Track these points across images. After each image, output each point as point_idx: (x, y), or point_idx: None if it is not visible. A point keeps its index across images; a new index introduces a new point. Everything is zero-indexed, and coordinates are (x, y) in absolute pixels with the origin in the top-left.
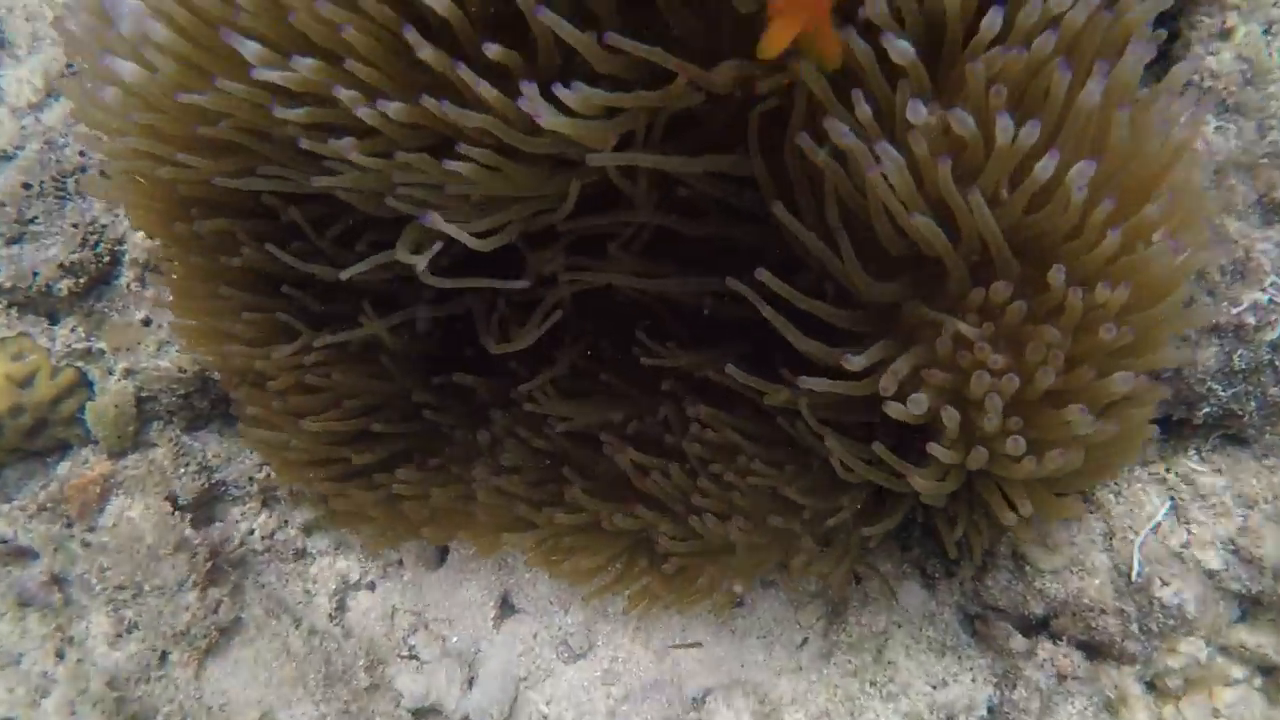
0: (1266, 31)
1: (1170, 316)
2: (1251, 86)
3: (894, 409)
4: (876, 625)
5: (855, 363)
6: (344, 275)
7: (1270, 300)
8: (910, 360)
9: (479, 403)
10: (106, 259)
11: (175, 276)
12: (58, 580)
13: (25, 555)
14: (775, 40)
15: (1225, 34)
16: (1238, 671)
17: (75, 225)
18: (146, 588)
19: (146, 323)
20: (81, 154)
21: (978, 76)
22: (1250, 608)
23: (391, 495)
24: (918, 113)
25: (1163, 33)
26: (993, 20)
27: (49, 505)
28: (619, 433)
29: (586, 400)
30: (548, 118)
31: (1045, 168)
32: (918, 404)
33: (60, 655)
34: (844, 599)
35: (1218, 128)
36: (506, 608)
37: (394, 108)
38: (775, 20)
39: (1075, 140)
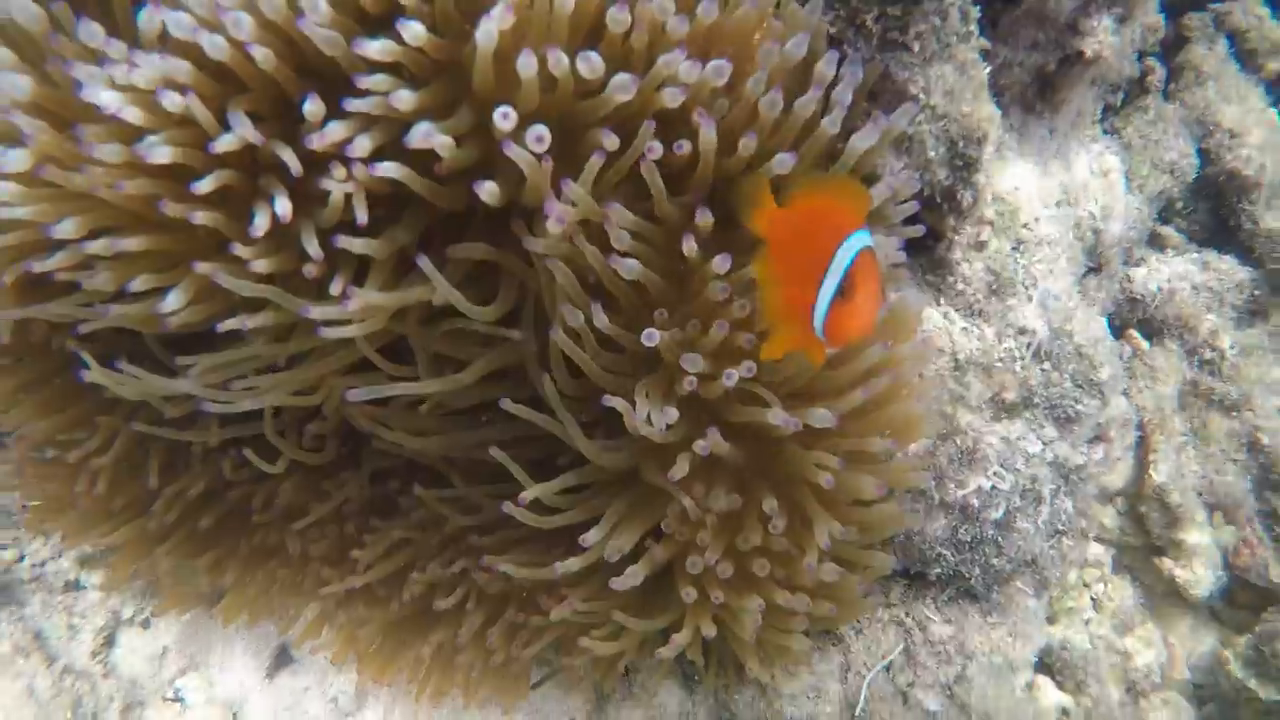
0: (1016, 248)
1: (883, 521)
2: (996, 296)
3: (615, 583)
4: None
5: (588, 538)
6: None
7: (993, 486)
8: (633, 534)
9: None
10: None
11: None
12: None
13: None
14: (774, 349)
15: (979, 246)
16: None
17: None
18: None
19: None
20: None
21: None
22: None
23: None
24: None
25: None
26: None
27: None
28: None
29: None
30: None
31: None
32: (633, 577)
33: None
34: (609, 691)
35: (964, 328)
36: (284, 658)
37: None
38: (779, 331)
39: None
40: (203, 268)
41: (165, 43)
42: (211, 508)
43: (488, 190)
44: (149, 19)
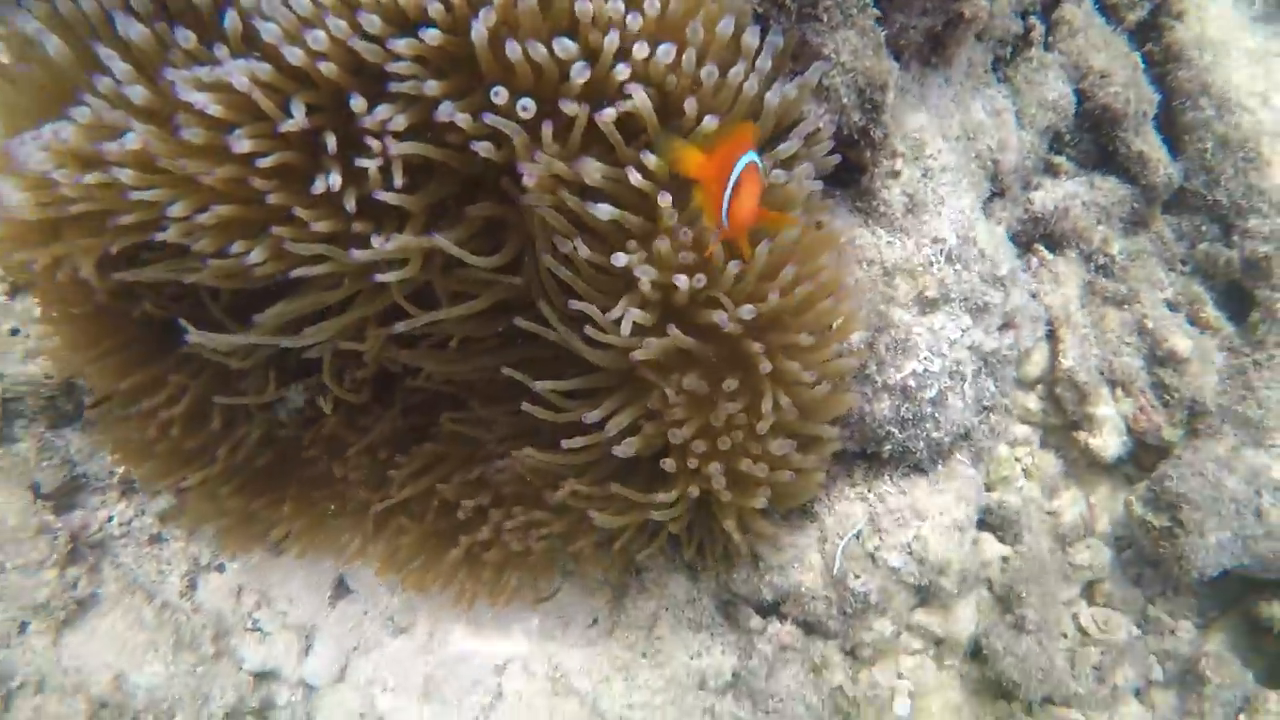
0: (924, 175)
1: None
2: (912, 214)
3: (617, 450)
4: (649, 609)
5: (590, 417)
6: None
7: (925, 369)
8: (630, 414)
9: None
10: None
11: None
12: None
13: None
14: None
15: (894, 175)
16: (916, 643)
17: None
18: (9, 566)
19: (14, 332)
20: None
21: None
22: (926, 597)
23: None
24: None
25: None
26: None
27: None
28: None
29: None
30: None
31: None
32: (629, 447)
33: None
34: (625, 587)
35: (889, 242)
36: (341, 589)
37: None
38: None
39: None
40: (278, 231)
41: (248, 44)
42: (267, 450)
43: (484, 148)
44: (233, 23)
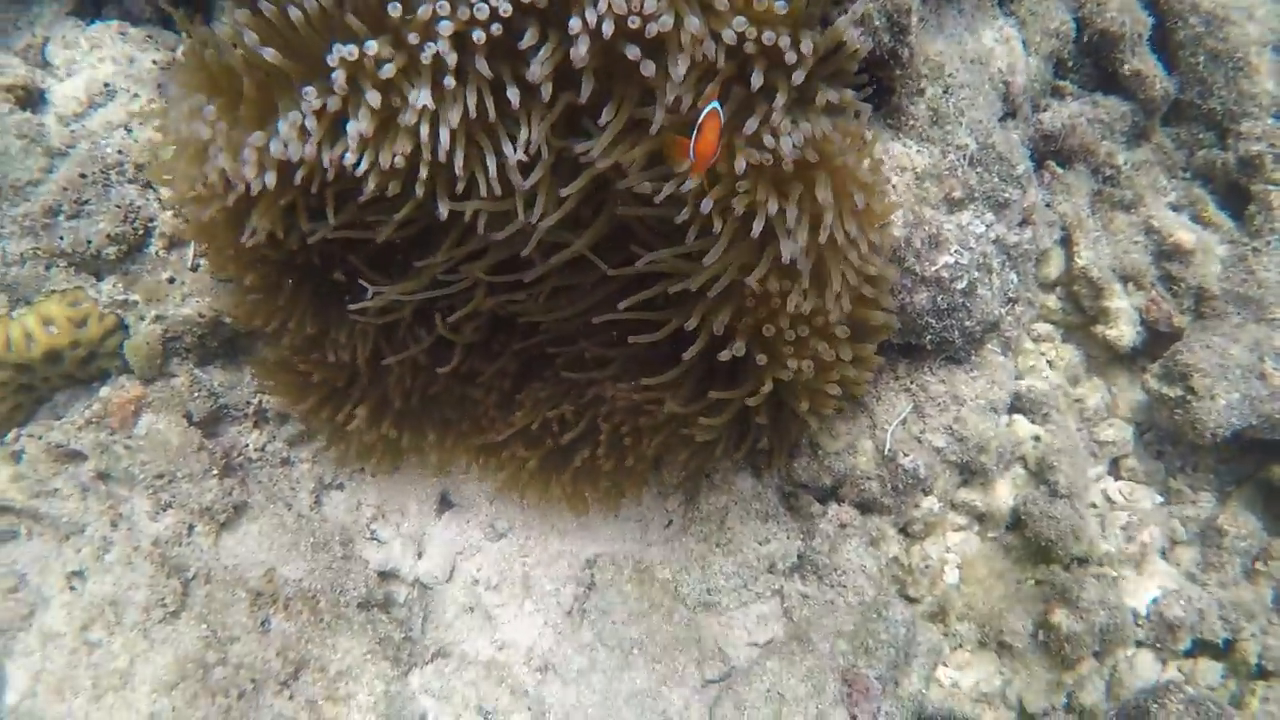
0: (945, 92)
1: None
2: (936, 126)
3: (723, 354)
4: (719, 504)
5: (691, 323)
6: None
7: (956, 261)
8: (726, 314)
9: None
10: (140, 232)
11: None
12: (102, 476)
13: (75, 457)
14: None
15: (920, 92)
16: (961, 519)
17: (118, 206)
18: (179, 475)
19: (171, 280)
20: (119, 152)
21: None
22: (967, 475)
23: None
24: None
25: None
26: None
27: (94, 420)
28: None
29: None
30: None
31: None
32: (738, 350)
33: (114, 525)
34: (696, 489)
35: (918, 151)
36: (445, 503)
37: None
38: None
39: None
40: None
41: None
42: (408, 381)
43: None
44: None
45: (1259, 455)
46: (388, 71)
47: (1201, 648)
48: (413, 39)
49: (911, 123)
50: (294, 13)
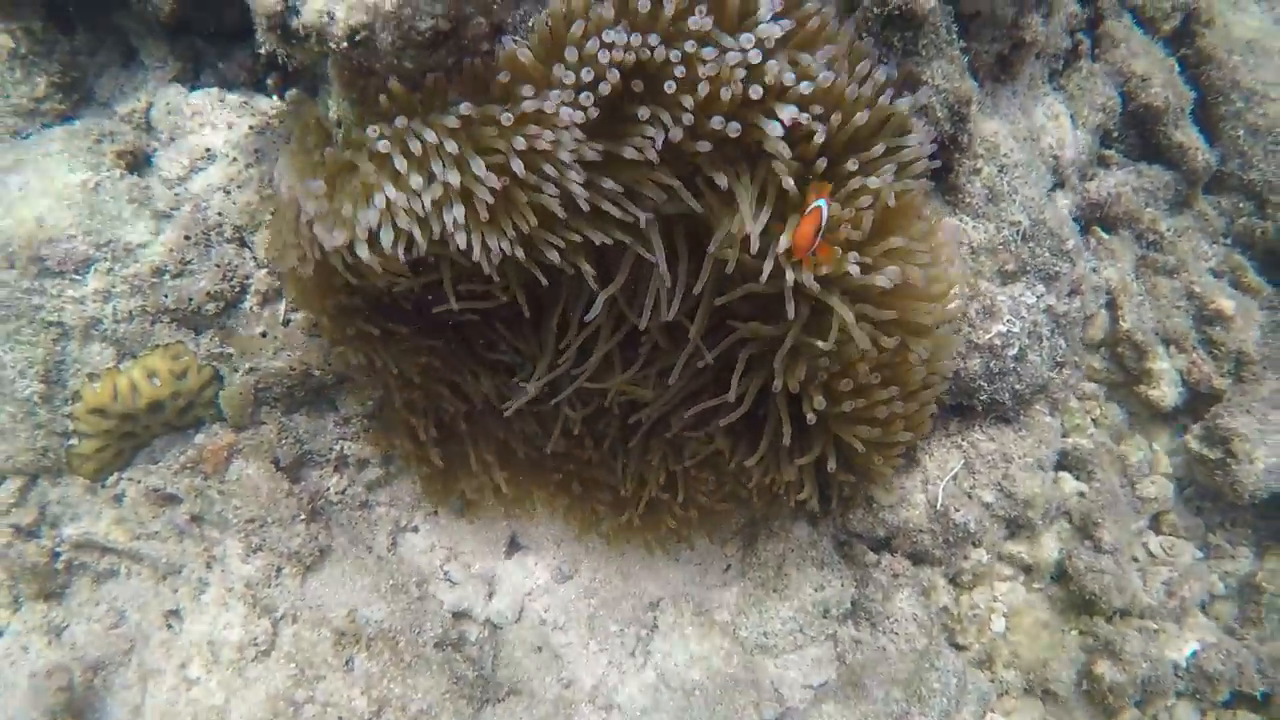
0: (1000, 170)
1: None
2: (991, 203)
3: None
4: (776, 551)
5: (776, 386)
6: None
7: (1008, 330)
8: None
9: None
10: (237, 289)
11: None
12: (196, 519)
13: (172, 501)
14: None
15: (976, 171)
16: (1007, 570)
17: (218, 265)
18: (269, 520)
19: (264, 335)
20: (219, 214)
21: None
22: (1014, 529)
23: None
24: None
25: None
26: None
27: (189, 465)
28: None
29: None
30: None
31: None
32: (819, 404)
33: (209, 566)
34: (754, 536)
35: (974, 226)
36: (514, 545)
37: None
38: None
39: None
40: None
41: None
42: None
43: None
44: None
45: None
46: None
47: (1240, 700)
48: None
49: (968, 200)
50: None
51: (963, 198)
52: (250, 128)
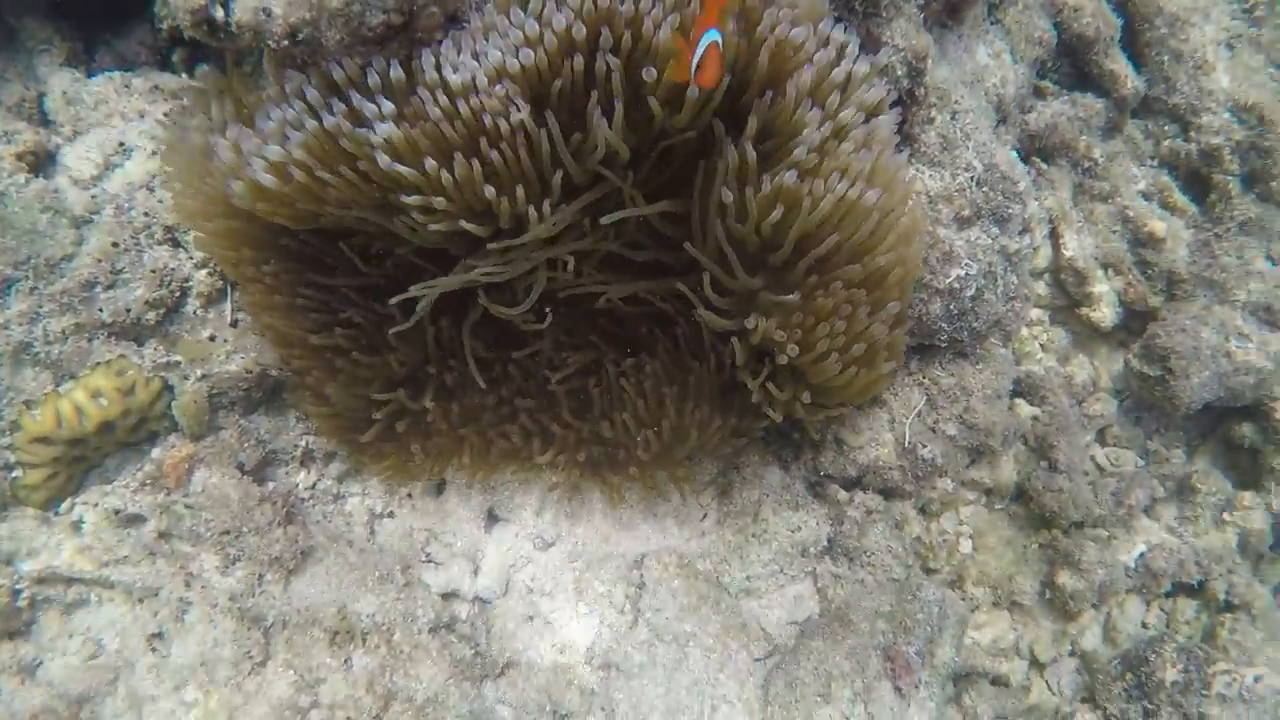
0: (953, 118)
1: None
2: (946, 151)
3: (786, 354)
4: (752, 497)
5: (749, 322)
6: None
7: (966, 274)
8: (774, 323)
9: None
10: (177, 294)
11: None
12: (164, 536)
13: (136, 521)
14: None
15: (930, 121)
16: (971, 495)
17: (153, 271)
18: (244, 529)
19: (212, 338)
20: (146, 214)
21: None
22: (976, 457)
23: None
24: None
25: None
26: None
27: (148, 482)
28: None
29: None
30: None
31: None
32: (791, 351)
33: (188, 584)
34: (729, 484)
35: (930, 175)
36: (493, 519)
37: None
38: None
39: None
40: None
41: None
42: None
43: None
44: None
45: (1219, 415)
46: None
47: (1179, 589)
48: None
49: (924, 149)
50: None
51: (919, 148)
52: (165, 114)
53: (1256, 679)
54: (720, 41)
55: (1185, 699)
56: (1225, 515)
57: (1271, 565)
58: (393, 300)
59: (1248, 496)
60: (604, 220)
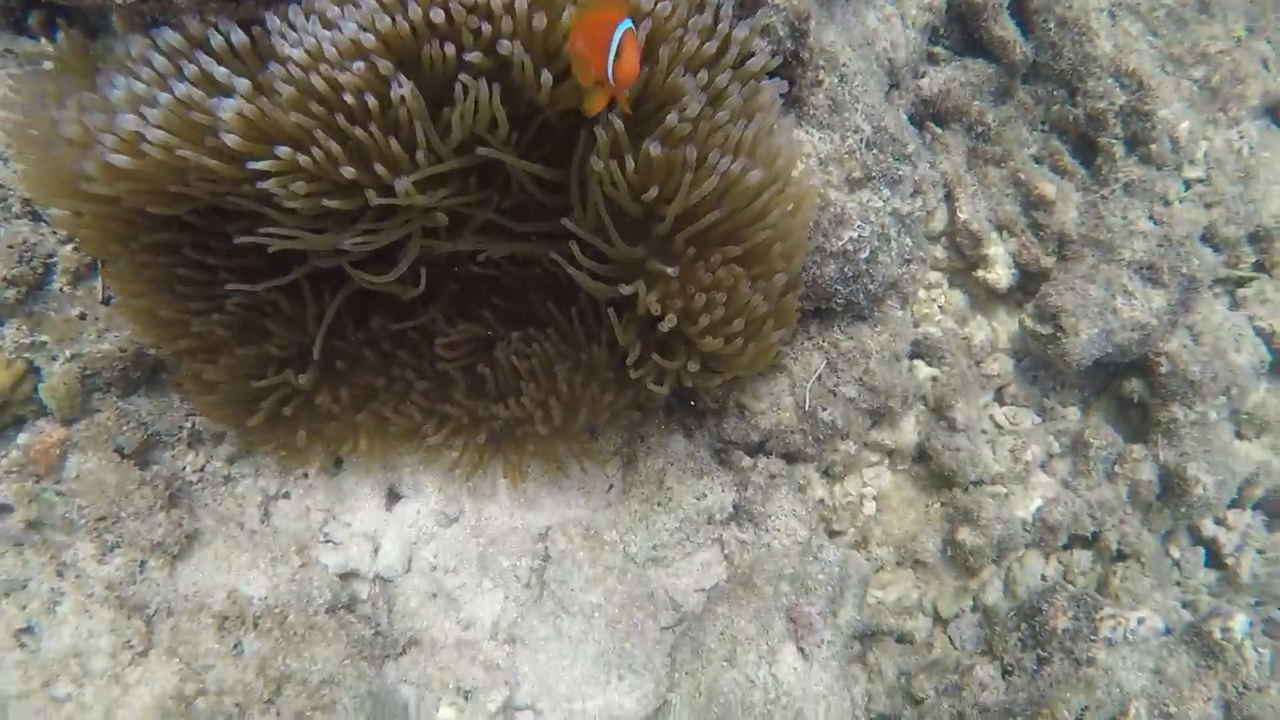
0: (841, 80)
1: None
2: (835, 113)
3: (662, 325)
4: (656, 466)
5: (626, 289)
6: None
7: (859, 235)
8: (655, 295)
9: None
10: (40, 270)
11: (125, 279)
12: (34, 525)
13: (0, 510)
14: (592, 105)
15: (818, 83)
16: (874, 457)
17: (10, 246)
18: (123, 514)
19: (82, 317)
20: (1, 186)
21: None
22: (877, 419)
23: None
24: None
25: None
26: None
27: (14, 469)
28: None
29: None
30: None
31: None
32: (669, 322)
33: (60, 574)
34: (634, 454)
35: (820, 138)
36: (394, 496)
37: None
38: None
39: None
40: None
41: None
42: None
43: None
44: None
45: (1110, 371)
46: None
47: (1075, 541)
48: None
49: (812, 112)
50: None
51: (807, 110)
52: (10, 81)
53: (1140, 621)
54: (634, 28)
55: (1075, 645)
56: (1116, 468)
57: (1159, 514)
58: (267, 285)
59: (1136, 449)
60: (480, 151)
